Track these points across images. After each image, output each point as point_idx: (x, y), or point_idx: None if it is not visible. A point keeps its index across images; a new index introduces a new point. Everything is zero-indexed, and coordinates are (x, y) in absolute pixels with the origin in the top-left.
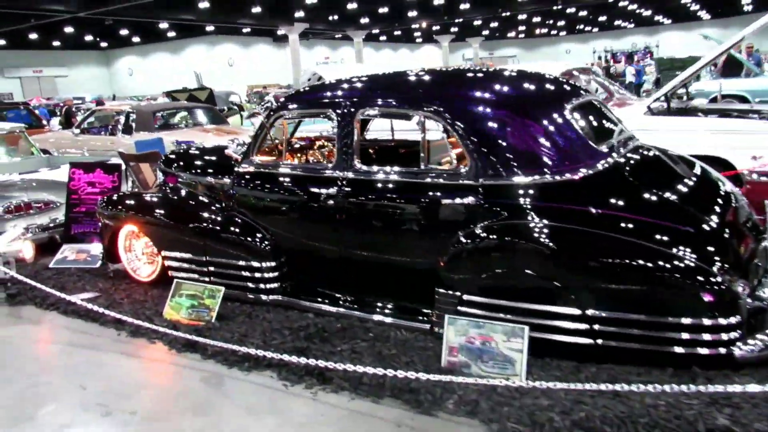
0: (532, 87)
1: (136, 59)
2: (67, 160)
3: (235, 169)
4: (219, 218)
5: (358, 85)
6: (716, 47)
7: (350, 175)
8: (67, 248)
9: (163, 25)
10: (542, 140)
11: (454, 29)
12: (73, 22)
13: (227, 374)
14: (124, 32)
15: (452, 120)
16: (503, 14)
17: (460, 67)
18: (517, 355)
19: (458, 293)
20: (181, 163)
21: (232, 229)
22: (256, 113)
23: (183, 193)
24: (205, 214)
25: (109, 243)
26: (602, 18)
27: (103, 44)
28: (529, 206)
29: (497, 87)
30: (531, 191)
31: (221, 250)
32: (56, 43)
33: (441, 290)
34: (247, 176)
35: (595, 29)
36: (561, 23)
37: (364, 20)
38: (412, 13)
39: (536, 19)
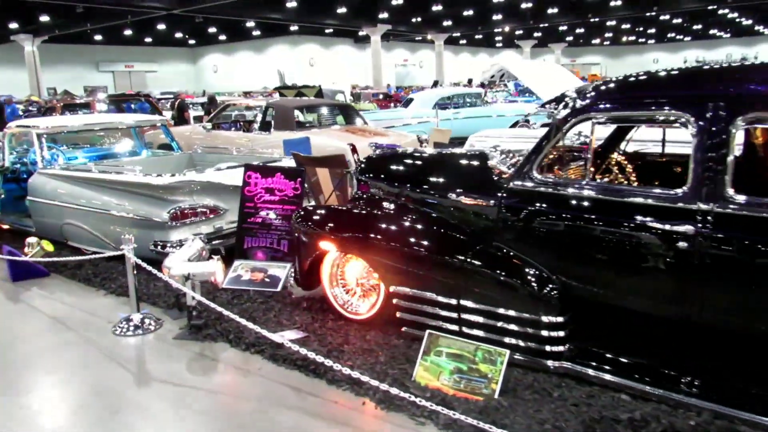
0: None
1: (221, 57)
2: (213, 159)
3: (504, 185)
4: (478, 249)
5: (734, 73)
6: None
7: (719, 208)
8: (240, 265)
9: (250, 24)
10: None
11: (537, 34)
12: (165, 19)
13: None
14: (212, 30)
15: None
16: (592, 20)
17: None
18: None
19: None
20: (396, 172)
21: (500, 265)
22: (527, 117)
23: (418, 212)
24: (458, 243)
25: (309, 266)
26: (696, 27)
27: (191, 41)
28: None
29: None
30: None
31: (483, 293)
32: (147, 40)
33: None
34: (525, 197)
35: (687, 38)
36: (651, 31)
37: (447, 23)
38: (497, 17)
39: (625, 26)
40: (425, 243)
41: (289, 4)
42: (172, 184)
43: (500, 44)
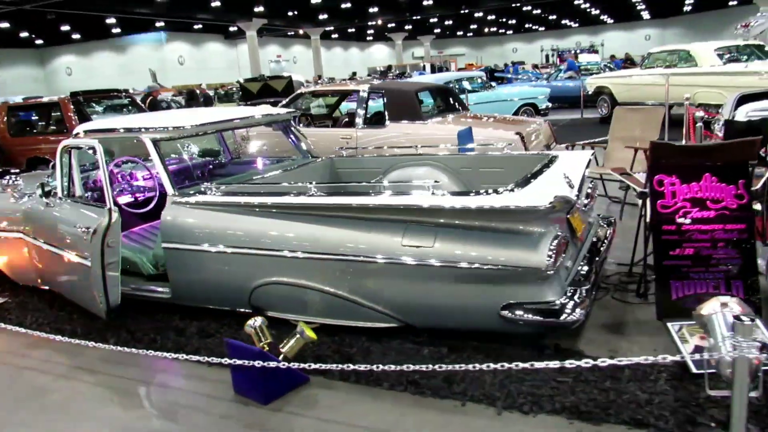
0: None
1: (75, 58)
2: (367, 164)
3: None
4: None
5: None
6: None
7: None
8: (680, 330)
9: (110, 20)
10: None
11: (408, 27)
12: (9, 17)
13: None
14: (64, 28)
15: None
16: (464, 11)
17: None
18: None
19: None
20: None
21: None
22: None
23: None
24: None
25: None
26: (551, 17)
27: (39, 42)
28: None
29: None
30: None
31: None
32: None
33: None
34: None
35: (542, 28)
36: (511, 22)
37: (323, 16)
38: (373, 9)
39: (490, 17)
40: None
41: None
42: (549, 206)
43: (371, 38)
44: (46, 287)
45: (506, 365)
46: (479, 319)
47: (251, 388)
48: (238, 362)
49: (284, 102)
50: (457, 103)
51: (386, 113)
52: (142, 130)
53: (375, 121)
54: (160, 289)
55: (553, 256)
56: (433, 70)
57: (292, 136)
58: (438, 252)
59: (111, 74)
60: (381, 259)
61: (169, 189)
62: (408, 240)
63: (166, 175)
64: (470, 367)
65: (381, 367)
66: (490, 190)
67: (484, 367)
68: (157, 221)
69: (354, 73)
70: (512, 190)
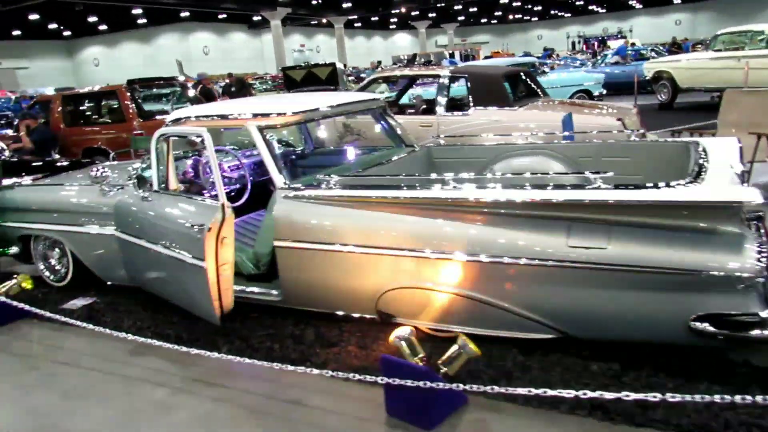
0: None
1: (102, 49)
2: (468, 153)
3: None
4: None
5: None
6: None
7: None
8: None
9: (136, 11)
10: None
11: (431, 15)
12: (39, 8)
13: None
14: (92, 19)
15: None
16: None
17: None
18: None
19: None
20: None
21: None
22: None
23: None
24: None
25: None
26: (578, 2)
27: (67, 33)
28: None
29: None
30: None
31: None
32: (16, 33)
33: None
34: None
35: (568, 14)
36: (536, 8)
37: (347, 5)
38: None
39: (516, 4)
40: None
41: None
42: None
43: (394, 26)
44: (140, 286)
45: (748, 398)
46: (662, 332)
47: (411, 410)
48: (399, 382)
49: (359, 87)
50: (538, 88)
51: (470, 98)
52: (248, 116)
53: (455, 107)
54: (268, 291)
55: (764, 260)
56: (461, 59)
57: (385, 123)
58: (614, 254)
59: (137, 65)
60: (542, 262)
61: (278, 182)
62: (575, 240)
63: (275, 167)
64: (697, 398)
65: (588, 393)
66: (661, 184)
67: (714, 398)
68: (249, 215)
69: (379, 62)
70: (687, 184)
